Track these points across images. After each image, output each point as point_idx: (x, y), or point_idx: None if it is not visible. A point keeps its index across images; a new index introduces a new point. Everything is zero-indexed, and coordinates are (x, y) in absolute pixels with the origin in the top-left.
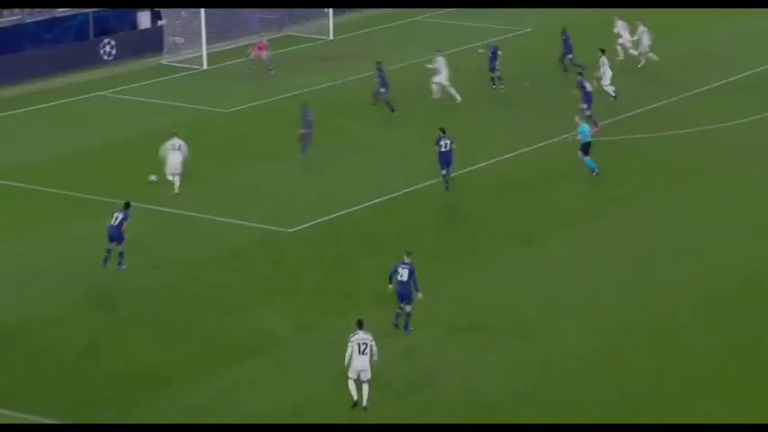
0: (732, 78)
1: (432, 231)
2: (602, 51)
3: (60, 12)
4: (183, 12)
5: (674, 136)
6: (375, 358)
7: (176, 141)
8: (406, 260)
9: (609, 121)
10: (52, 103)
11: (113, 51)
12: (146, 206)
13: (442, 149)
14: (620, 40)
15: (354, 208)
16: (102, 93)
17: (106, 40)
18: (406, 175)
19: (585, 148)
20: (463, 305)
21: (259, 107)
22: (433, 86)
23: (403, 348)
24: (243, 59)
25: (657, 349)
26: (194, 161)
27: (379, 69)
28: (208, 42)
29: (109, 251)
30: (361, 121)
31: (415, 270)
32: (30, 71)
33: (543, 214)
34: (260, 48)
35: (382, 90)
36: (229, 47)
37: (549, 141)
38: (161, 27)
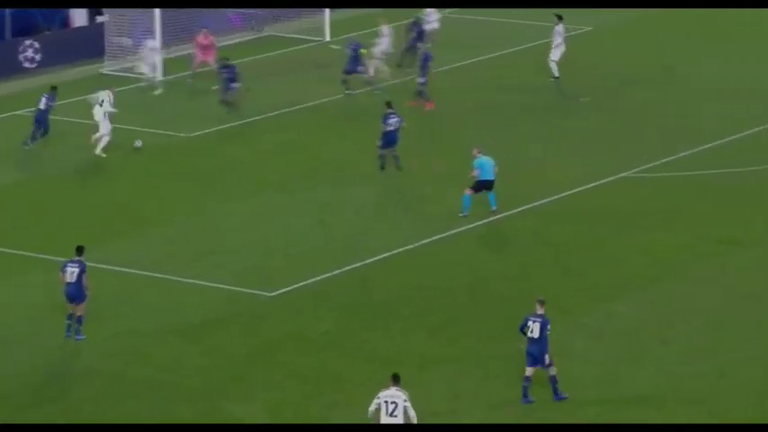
0: None
1: (456, 294)
2: (560, 18)
3: None
4: None
5: None
6: (414, 423)
7: (101, 94)
8: (539, 311)
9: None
10: None
11: (37, 56)
12: (88, 264)
13: (390, 128)
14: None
15: (355, 264)
16: (21, 111)
17: (28, 42)
18: (422, 221)
19: (481, 186)
20: (506, 382)
21: (230, 130)
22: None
23: None
24: (188, 72)
25: None
26: (148, 201)
27: (227, 67)
28: (163, 45)
29: (71, 316)
30: (361, 150)
31: (548, 324)
32: None
33: (608, 268)
34: (204, 48)
35: (234, 85)
36: (192, 51)
37: (618, 176)
38: (101, 25)
